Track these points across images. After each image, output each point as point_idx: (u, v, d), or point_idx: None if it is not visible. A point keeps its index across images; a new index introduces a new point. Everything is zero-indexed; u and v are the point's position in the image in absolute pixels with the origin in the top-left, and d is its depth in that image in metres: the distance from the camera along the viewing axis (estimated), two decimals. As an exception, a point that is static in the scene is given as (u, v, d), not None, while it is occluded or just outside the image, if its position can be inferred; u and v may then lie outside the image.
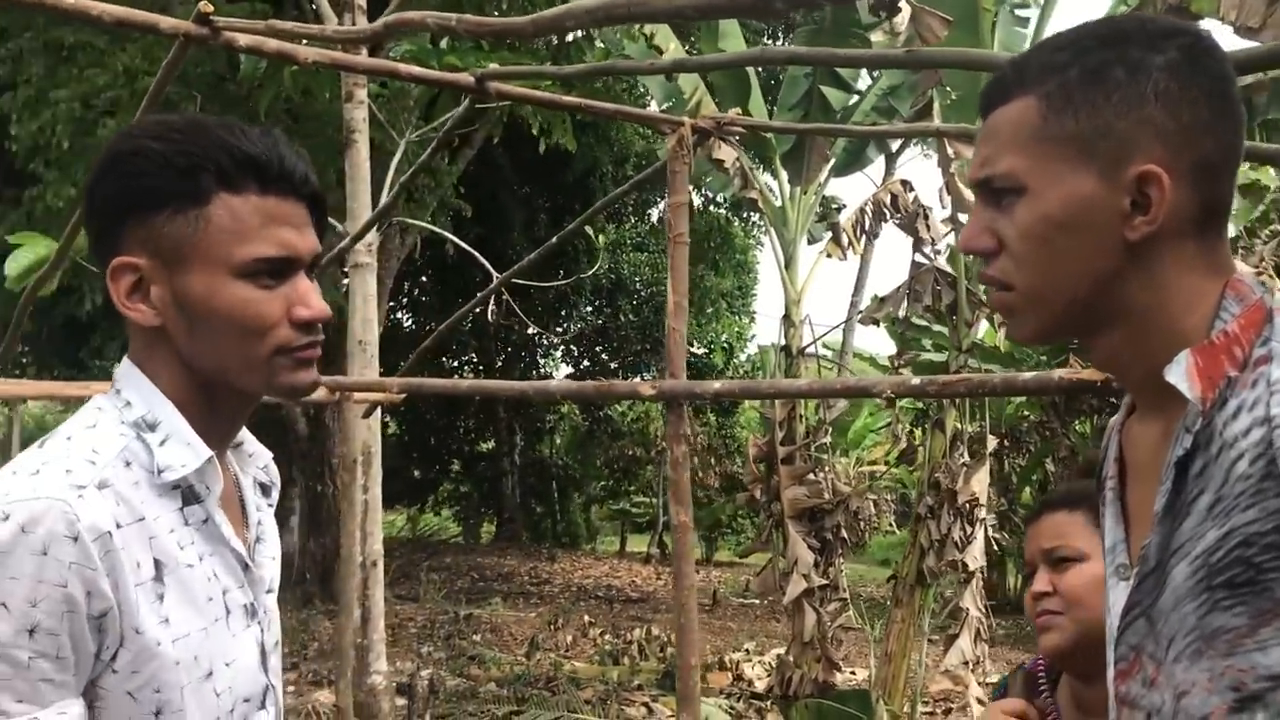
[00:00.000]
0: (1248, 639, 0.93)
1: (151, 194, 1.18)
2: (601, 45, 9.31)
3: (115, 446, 1.17)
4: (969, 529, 6.57)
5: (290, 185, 1.21)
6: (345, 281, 6.27)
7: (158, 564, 1.16)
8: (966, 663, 6.24)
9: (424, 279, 17.33)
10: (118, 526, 1.12)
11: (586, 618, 11.31)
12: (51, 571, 1.07)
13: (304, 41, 2.96)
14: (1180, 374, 0.98)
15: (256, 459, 1.41)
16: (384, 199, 4.83)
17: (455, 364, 18.27)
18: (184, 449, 1.20)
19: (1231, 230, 8.36)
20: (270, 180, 1.19)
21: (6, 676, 1.05)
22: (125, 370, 1.24)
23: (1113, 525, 1.12)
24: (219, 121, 1.22)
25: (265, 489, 1.41)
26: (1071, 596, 1.59)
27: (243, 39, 2.70)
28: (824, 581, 6.56)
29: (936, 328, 8.58)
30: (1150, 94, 0.99)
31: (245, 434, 1.39)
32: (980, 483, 6.65)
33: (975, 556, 6.55)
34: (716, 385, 3.07)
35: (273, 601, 1.36)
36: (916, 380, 2.43)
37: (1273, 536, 0.91)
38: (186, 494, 1.21)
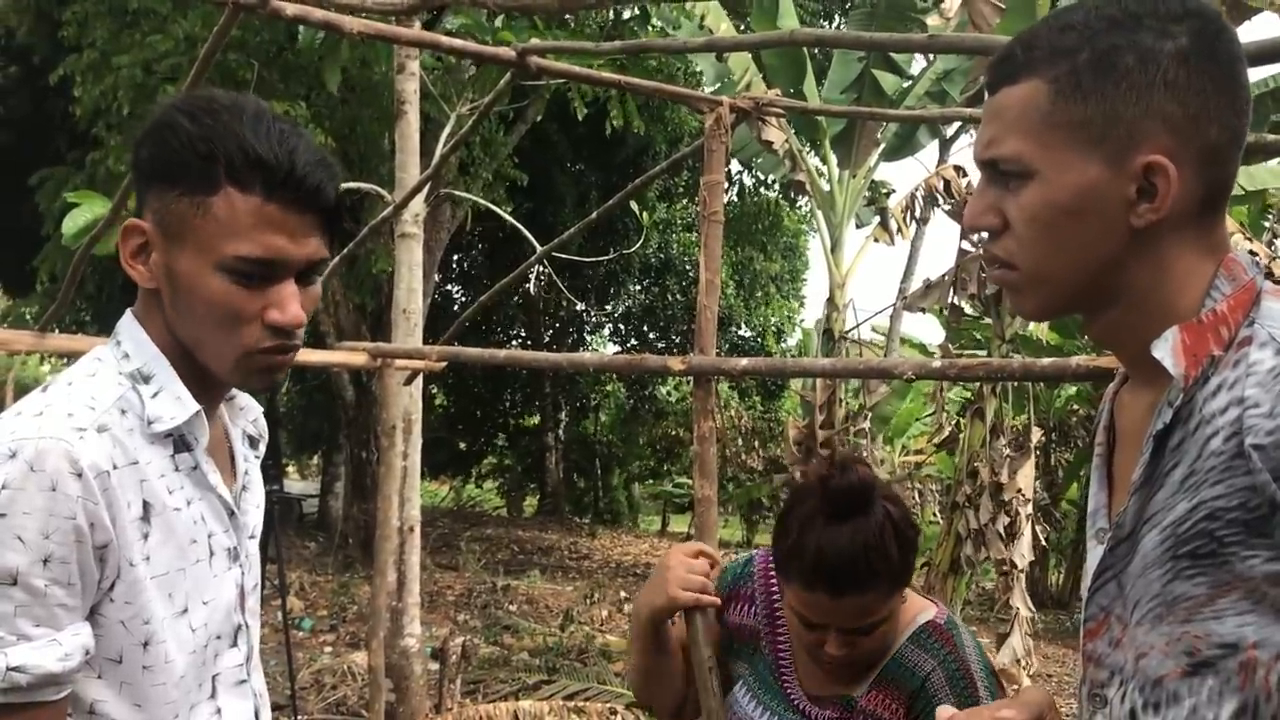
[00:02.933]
0: (1205, 608, 0.96)
1: (171, 170, 1.23)
2: (656, 24, 9.30)
3: (112, 395, 1.25)
4: (1012, 522, 6.52)
5: (297, 193, 1.23)
6: (394, 252, 6.35)
7: (146, 505, 1.23)
8: (1019, 660, 6.22)
9: (475, 252, 17.46)
10: (114, 467, 1.19)
11: (623, 594, 11.39)
12: (62, 505, 1.14)
13: (359, 13, 3.02)
14: (1166, 350, 1.01)
15: (247, 412, 1.49)
16: (428, 171, 4.89)
17: (503, 338, 18.40)
18: (174, 402, 1.27)
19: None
20: (276, 185, 1.22)
21: (26, 603, 1.13)
22: (126, 323, 1.32)
23: (1096, 490, 1.15)
24: (255, 113, 1.24)
25: (253, 441, 1.49)
26: (866, 651, 1.64)
27: (290, 8, 2.76)
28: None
29: (986, 321, 8.52)
30: (1159, 82, 0.99)
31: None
32: (1026, 477, 6.59)
33: (1024, 554, 6.51)
34: (743, 362, 3.08)
35: (254, 547, 1.44)
36: (937, 363, 2.44)
37: (1237, 513, 0.94)
38: (177, 442, 1.29)
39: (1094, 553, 1.11)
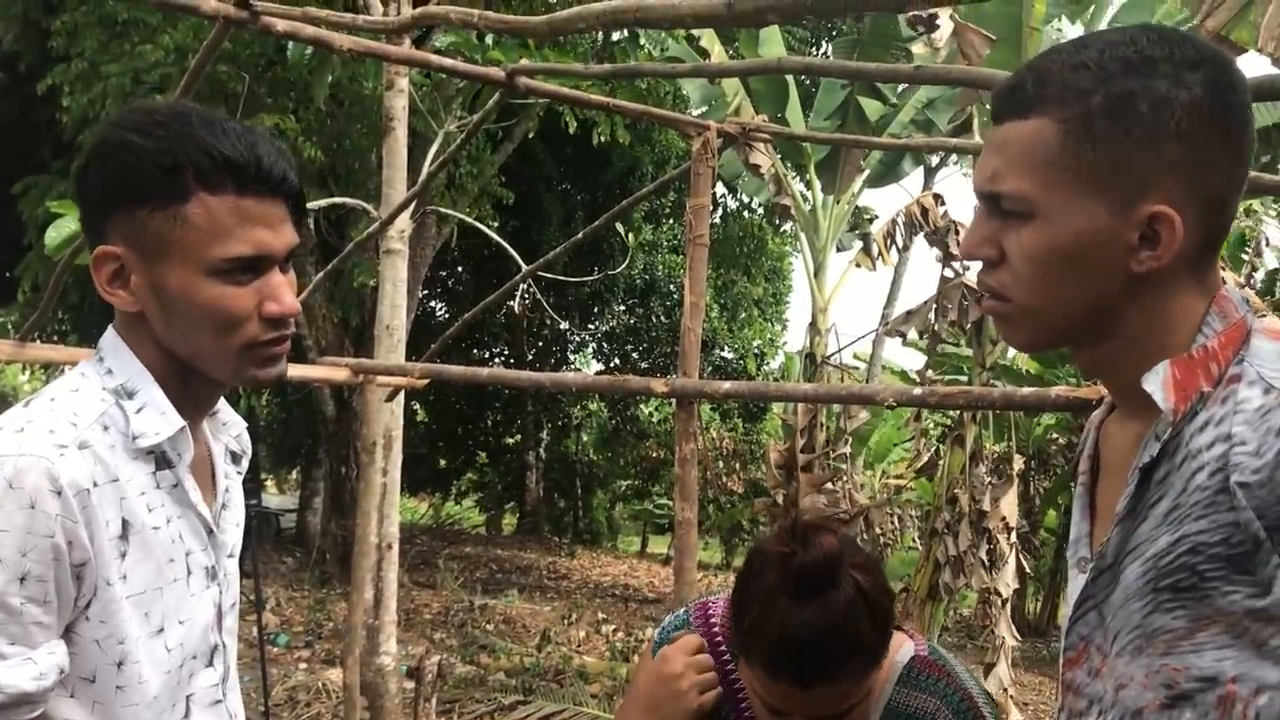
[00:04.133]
0: (1185, 641, 0.97)
1: (134, 189, 1.22)
2: (645, 46, 9.35)
3: (95, 410, 1.24)
4: (993, 549, 6.54)
5: (267, 185, 1.24)
6: (378, 268, 6.35)
7: (125, 523, 1.22)
8: (1005, 689, 6.23)
9: (459, 269, 17.45)
10: (94, 485, 1.18)
11: (600, 614, 11.36)
12: (40, 523, 1.13)
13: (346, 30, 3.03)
14: (1157, 384, 1.01)
15: (230, 427, 1.48)
16: (416, 187, 4.90)
17: (486, 355, 18.38)
18: (158, 418, 1.26)
19: (1270, 262, 8.30)
20: (247, 181, 1.23)
21: (1, 621, 1.12)
22: (110, 340, 1.31)
23: (1078, 519, 1.15)
24: (203, 116, 1.24)
25: (236, 457, 1.48)
26: None
27: (280, 24, 2.77)
28: (837, 591, 6.54)
29: (967, 350, 8.55)
30: (1172, 133, 0.98)
31: (221, 402, 1.45)
32: (1009, 505, 6.61)
33: (1007, 583, 6.52)
34: (726, 385, 3.10)
35: (233, 565, 1.43)
36: (918, 390, 2.46)
37: (1219, 548, 0.94)
38: (159, 459, 1.28)
39: (1075, 581, 1.11)
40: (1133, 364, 1.04)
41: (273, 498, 19.74)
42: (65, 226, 4.61)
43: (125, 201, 1.23)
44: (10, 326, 13.60)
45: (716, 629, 1.59)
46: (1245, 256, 8.42)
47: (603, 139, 9.55)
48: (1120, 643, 1.03)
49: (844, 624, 1.33)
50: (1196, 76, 0.99)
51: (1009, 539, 6.58)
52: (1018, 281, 1.05)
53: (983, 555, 6.52)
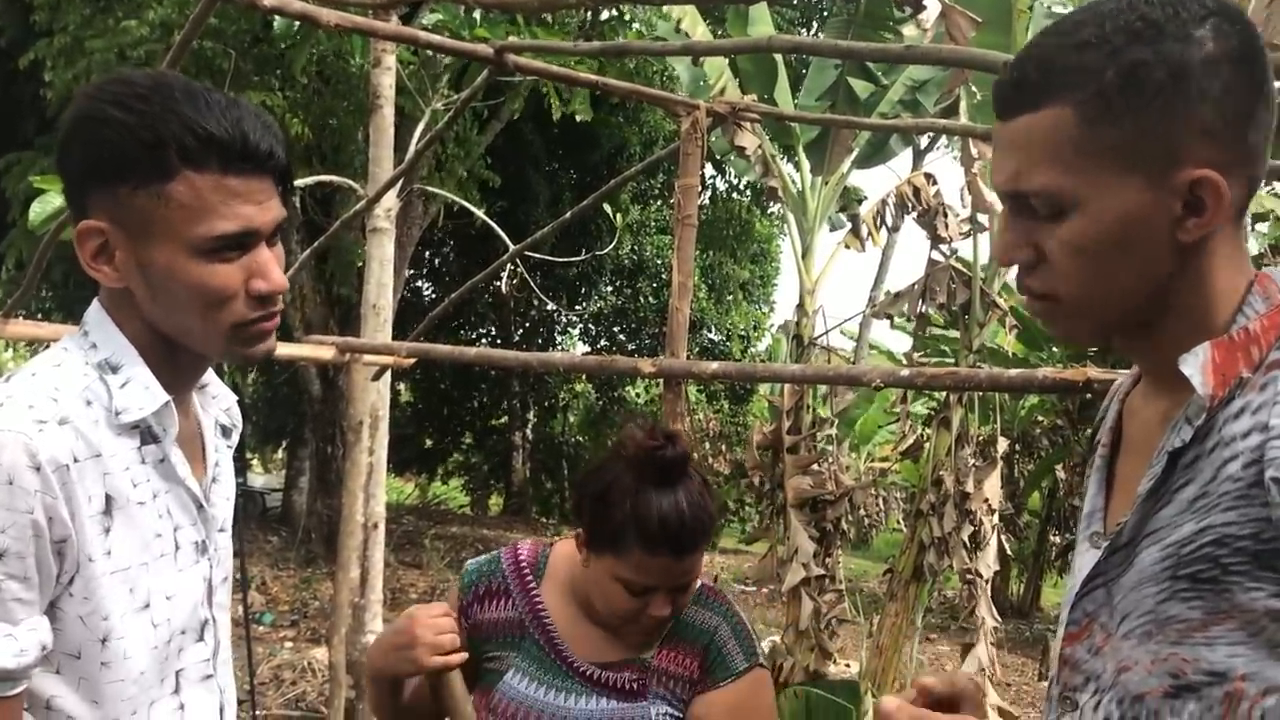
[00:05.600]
0: (1198, 633, 0.95)
1: (115, 165, 1.19)
2: (636, 26, 9.31)
3: (77, 385, 1.22)
4: (977, 531, 6.57)
5: (253, 162, 1.22)
6: (364, 247, 6.33)
7: (108, 499, 1.21)
8: (984, 670, 6.27)
9: (446, 249, 17.40)
10: (75, 460, 1.17)
11: (587, 594, 11.39)
12: (19, 499, 1.12)
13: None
14: (1196, 367, 0.97)
15: (220, 401, 1.47)
16: (403, 166, 4.87)
17: (473, 336, 18.35)
18: (143, 392, 1.25)
19: (1253, 249, 8.32)
20: (233, 158, 1.20)
21: None
22: (94, 314, 1.29)
23: (1094, 493, 1.13)
24: (186, 88, 1.21)
25: (226, 430, 1.47)
26: (680, 607, 1.76)
27: (267, -2, 2.74)
28: (822, 572, 6.59)
29: (952, 333, 8.56)
30: (1195, 95, 0.94)
31: (210, 375, 1.44)
32: (992, 488, 6.65)
33: (989, 564, 6.56)
34: (714, 366, 3.10)
35: (225, 539, 1.42)
36: (905, 371, 2.46)
37: (1247, 542, 0.91)
38: (144, 434, 1.26)
39: (1086, 556, 1.09)
40: (1171, 342, 1.01)
41: (258, 476, 19.70)
42: (49, 202, 4.59)
43: (106, 178, 1.20)
44: (-7, 304, 13.50)
45: (524, 562, 1.86)
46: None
47: (578, 117, 9.51)
48: (1128, 625, 1.01)
49: (702, 503, 1.67)
50: (1206, 31, 0.95)
51: (992, 521, 6.62)
52: (1065, 277, 1.02)
53: (965, 537, 6.56)
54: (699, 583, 1.81)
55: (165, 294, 1.23)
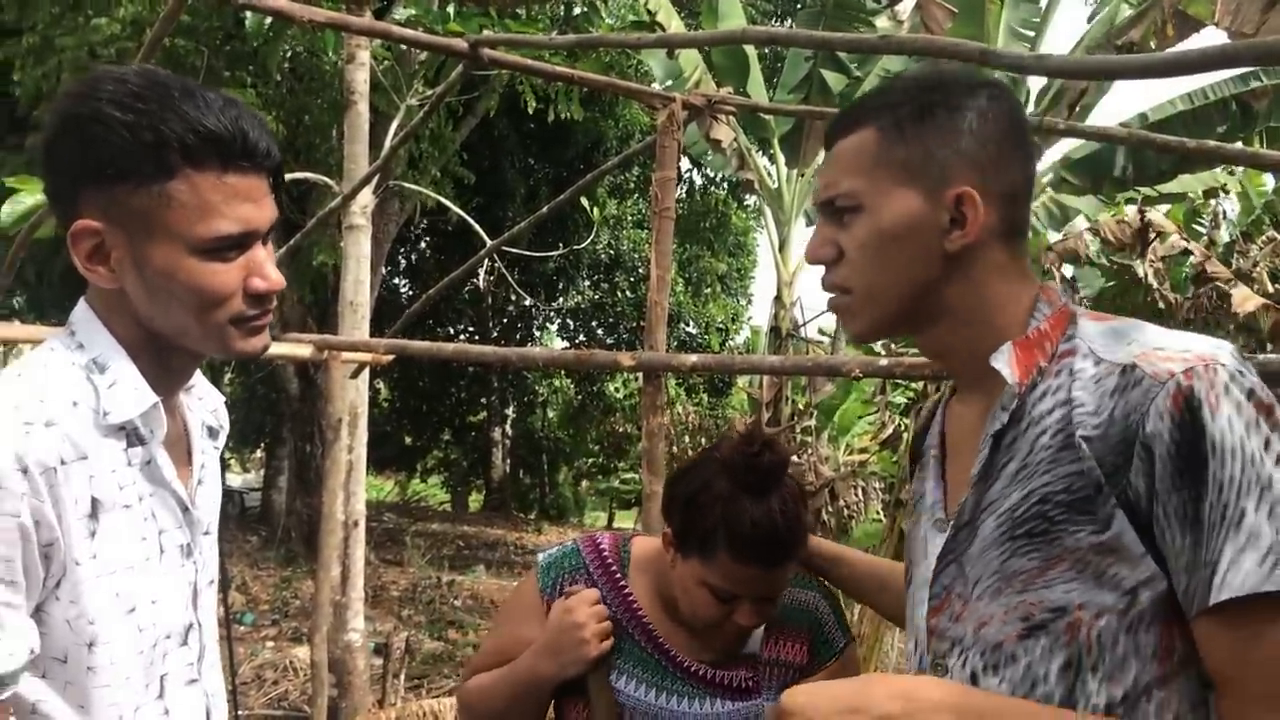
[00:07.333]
0: (1039, 578, 1.13)
1: (114, 164, 1.17)
2: (607, 20, 9.30)
3: (64, 387, 1.21)
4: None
5: (252, 161, 1.22)
6: (341, 244, 6.30)
7: (94, 502, 1.19)
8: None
9: (423, 246, 17.36)
10: (62, 463, 1.15)
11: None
12: (6, 503, 1.10)
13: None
14: (1004, 362, 1.18)
15: (206, 402, 1.45)
16: (378, 162, 4.86)
17: (450, 332, 18.31)
18: (131, 393, 1.24)
19: (1225, 235, 8.40)
20: (233, 157, 1.20)
21: None
22: (81, 314, 1.28)
23: (932, 486, 1.32)
24: (183, 87, 1.20)
25: (213, 432, 1.46)
26: (763, 617, 1.66)
27: (239, -6, 2.73)
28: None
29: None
30: (966, 130, 1.19)
31: (198, 376, 1.42)
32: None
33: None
34: (693, 358, 3.10)
35: (210, 543, 1.41)
36: (884, 361, 2.48)
37: (1063, 496, 1.11)
38: (131, 436, 1.25)
39: (934, 541, 1.27)
40: (968, 345, 1.23)
41: (236, 476, 19.62)
42: (21, 202, 4.55)
43: (103, 177, 1.18)
44: (-35, 306, 13.39)
45: (607, 554, 1.79)
46: (1201, 228, 8.53)
47: (561, 115, 9.51)
48: (980, 587, 1.19)
49: (794, 513, 1.61)
50: (982, 92, 1.21)
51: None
52: (854, 271, 1.23)
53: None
54: None
55: (163, 293, 1.22)
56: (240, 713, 6.18)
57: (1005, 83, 1.26)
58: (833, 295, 1.27)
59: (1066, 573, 1.11)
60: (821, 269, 1.28)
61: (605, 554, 1.78)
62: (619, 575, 1.76)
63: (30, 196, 4.59)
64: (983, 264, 1.21)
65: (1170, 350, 1.10)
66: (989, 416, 1.21)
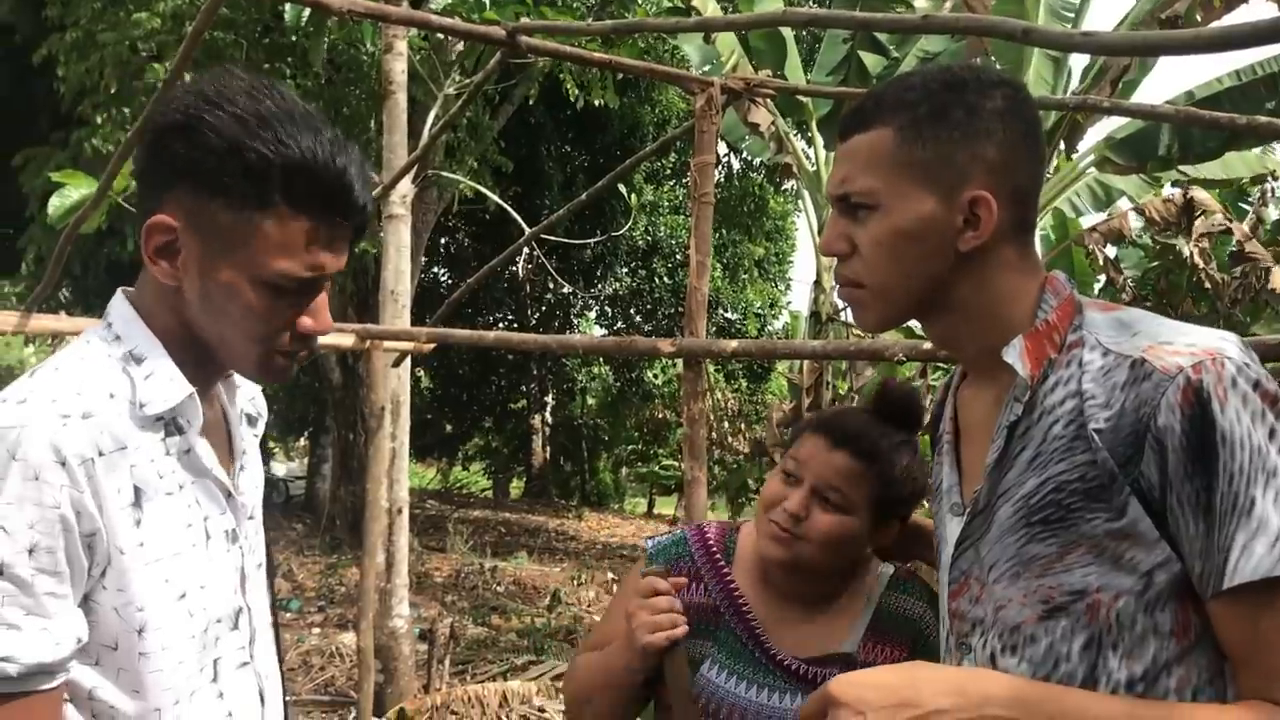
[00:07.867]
0: (1057, 563, 1.17)
1: (215, 175, 1.17)
2: (641, 3, 9.27)
3: (101, 379, 1.22)
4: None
5: (348, 217, 1.23)
6: (381, 234, 6.34)
7: (137, 491, 1.20)
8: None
9: (461, 235, 17.42)
10: (100, 454, 1.16)
11: (610, 574, 11.44)
12: (46, 495, 1.12)
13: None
14: (1015, 355, 1.21)
15: (244, 390, 1.46)
16: (417, 151, 4.87)
17: (490, 320, 18.39)
18: (167, 384, 1.24)
19: (1273, 213, 8.24)
20: (332, 211, 1.21)
21: (12, 593, 1.11)
22: (119, 306, 1.29)
23: (948, 471, 1.35)
24: (306, 120, 1.21)
25: (252, 419, 1.47)
26: (819, 530, 1.62)
27: (278, -14, 2.75)
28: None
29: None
30: (982, 132, 1.21)
31: None
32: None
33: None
34: (733, 344, 3.09)
35: (255, 527, 1.42)
36: (928, 344, 2.45)
37: (1078, 484, 1.15)
38: (169, 425, 1.26)
39: (951, 525, 1.30)
40: (978, 335, 1.26)
41: (280, 465, 19.83)
42: (67, 196, 4.60)
43: (200, 182, 1.19)
44: (15, 298, 13.60)
45: (713, 544, 1.79)
46: (1248, 206, 8.38)
47: (596, 103, 9.50)
48: (996, 572, 1.22)
49: (888, 446, 1.64)
50: (997, 92, 1.22)
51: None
52: (867, 266, 1.24)
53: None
54: (891, 568, 1.74)
55: (218, 308, 1.23)
56: (287, 698, 6.26)
57: (1021, 82, 1.27)
58: (844, 286, 1.30)
59: (1084, 557, 1.15)
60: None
61: (711, 543, 1.79)
62: (723, 564, 1.76)
63: (76, 191, 4.65)
64: (993, 261, 1.23)
65: (1177, 344, 1.12)
66: (1002, 407, 1.24)
